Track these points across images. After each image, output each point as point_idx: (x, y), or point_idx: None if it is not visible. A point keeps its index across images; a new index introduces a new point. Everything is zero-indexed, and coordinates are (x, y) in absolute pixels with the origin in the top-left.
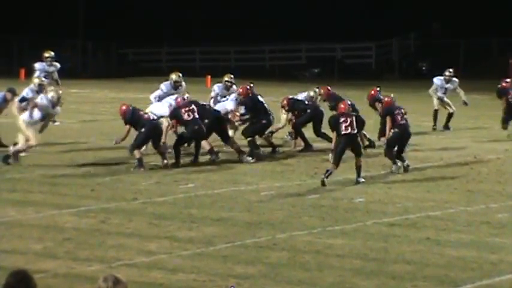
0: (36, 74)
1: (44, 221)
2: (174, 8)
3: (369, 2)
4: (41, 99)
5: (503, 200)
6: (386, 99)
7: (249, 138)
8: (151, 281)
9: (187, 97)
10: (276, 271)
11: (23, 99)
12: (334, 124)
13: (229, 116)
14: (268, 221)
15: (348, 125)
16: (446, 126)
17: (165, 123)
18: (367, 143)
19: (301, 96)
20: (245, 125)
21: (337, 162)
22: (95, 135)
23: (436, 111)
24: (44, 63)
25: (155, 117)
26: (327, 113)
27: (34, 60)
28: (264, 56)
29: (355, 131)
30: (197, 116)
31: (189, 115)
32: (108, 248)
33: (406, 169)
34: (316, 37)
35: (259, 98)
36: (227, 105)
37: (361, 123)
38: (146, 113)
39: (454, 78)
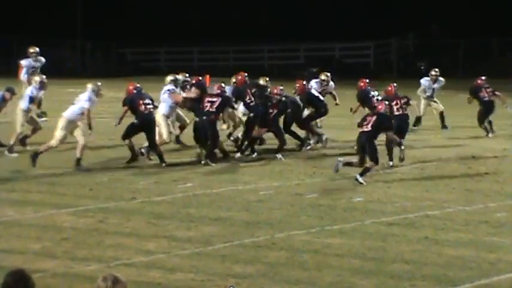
0: (24, 70)
1: (43, 221)
2: (174, 8)
3: (368, 2)
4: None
5: (502, 199)
6: (388, 88)
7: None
8: (150, 280)
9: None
10: (274, 270)
11: (31, 100)
12: (359, 120)
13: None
14: (266, 220)
15: (367, 123)
16: (443, 126)
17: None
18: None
19: (314, 83)
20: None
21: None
22: (94, 134)
23: (419, 117)
24: (29, 59)
25: (151, 110)
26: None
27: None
28: (263, 56)
29: (369, 129)
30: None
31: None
32: (106, 247)
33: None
34: (315, 37)
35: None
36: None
37: (381, 124)
38: (145, 104)
39: (440, 78)
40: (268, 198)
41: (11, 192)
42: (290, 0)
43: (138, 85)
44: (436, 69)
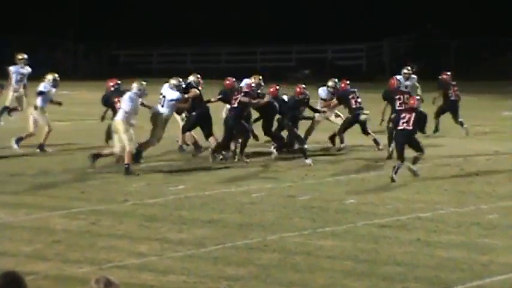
0: (13, 77)
1: (35, 223)
2: (174, 8)
3: (363, 3)
4: None
5: (494, 201)
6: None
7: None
8: (142, 282)
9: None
10: (267, 273)
11: (40, 93)
12: (395, 119)
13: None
14: (259, 222)
15: (405, 121)
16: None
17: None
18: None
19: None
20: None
21: (400, 157)
22: (86, 136)
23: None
24: (18, 66)
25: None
26: None
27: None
28: (256, 58)
29: (411, 128)
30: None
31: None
32: (98, 249)
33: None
34: (308, 38)
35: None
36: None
37: (418, 120)
38: (119, 102)
39: (413, 75)
40: (260, 200)
41: (3, 194)
42: (290, 1)
43: (119, 82)
44: (409, 67)
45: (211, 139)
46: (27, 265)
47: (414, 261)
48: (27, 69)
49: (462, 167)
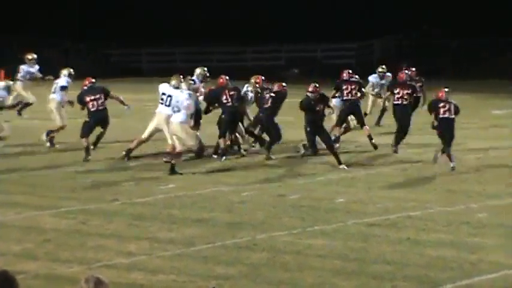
0: (21, 74)
1: (25, 222)
2: (174, 8)
3: (362, 3)
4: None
5: (483, 200)
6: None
7: None
8: (132, 282)
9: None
10: (256, 272)
11: (63, 88)
12: (434, 108)
13: None
14: (248, 221)
15: (447, 110)
16: (377, 123)
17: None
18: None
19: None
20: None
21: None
22: (76, 136)
23: (365, 114)
24: (27, 65)
25: (101, 108)
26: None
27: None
28: (246, 57)
29: (453, 116)
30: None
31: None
32: (88, 249)
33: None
34: (297, 37)
35: None
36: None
37: (457, 109)
38: (93, 100)
39: (388, 74)
40: (250, 199)
41: None
42: (290, 1)
43: (93, 80)
44: (383, 66)
45: (221, 140)
46: (17, 264)
47: (404, 260)
48: (36, 68)
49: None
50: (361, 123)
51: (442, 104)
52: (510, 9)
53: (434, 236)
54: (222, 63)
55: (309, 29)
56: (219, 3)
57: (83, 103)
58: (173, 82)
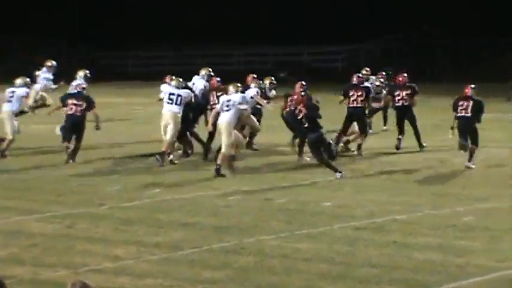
0: (41, 80)
1: (11, 227)
2: (174, 8)
3: (362, 3)
4: None
5: (470, 203)
6: (399, 78)
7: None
8: (118, 286)
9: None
10: (243, 275)
11: (83, 89)
12: (454, 106)
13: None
14: (235, 225)
15: (463, 109)
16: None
17: None
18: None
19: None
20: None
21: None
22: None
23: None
24: (45, 70)
25: (78, 114)
26: None
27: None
28: (233, 60)
29: (469, 114)
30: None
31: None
32: (74, 253)
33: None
34: (284, 41)
35: None
36: None
37: (477, 107)
38: (72, 104)
39: (372, 77)
40: (237, 203)
41: None
42: (290, 1)
43: (84, 86)
44: (367, 68)
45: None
46: (2, 269)
47: (390, 264)
48: (51, 76)
49: (438, 169)
50: (362, 131)
51: (460, 103)
52: (510, 9)
53: (421, 239)
54: (210, 66)
55: (308, 30)
56: (219, 3)
57: (64, 104)
58: (174, 83)
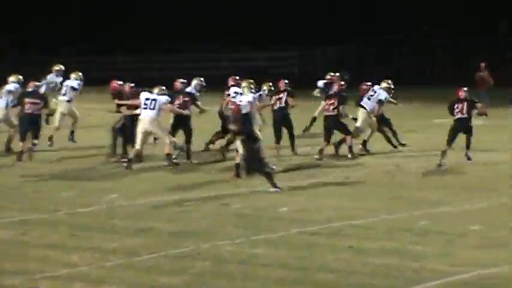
0: (45, 83)
1: None
2: (174, 8)
3: (356, 2)
4: None
5: (426, 207)
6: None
7: None
8: None
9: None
10: (200, 281)
11: (74, 89)
12: (450, 108)
13: None
14: (192, 230)
15: (459, 111)
16: (307, 129)
17: None
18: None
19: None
20: None
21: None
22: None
23: (315, 118)
24: (53, 75)
25: (36, 112)
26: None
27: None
28: (188, 66)
29: (466, 116)
30: None
31: None
32: (30, 260)
33: None
34: (235, 45)
35: None
36: None
37: (471, 107)
38: (32, 104)
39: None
40: (193, 208)
41: None
42: (290, 2)
43: (37, 84)
44: (332, 73)
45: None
46: None
47: (347, 268)
48: (60, 79)
49: (394, 174)
50: (346, 133)
51: (456, 105)
52: (510, 9)
53: (377, 244)
54: (163, 71)
55: (309, 31)
56: (219, 3)
57: (20, 103)
58: (156, 90)
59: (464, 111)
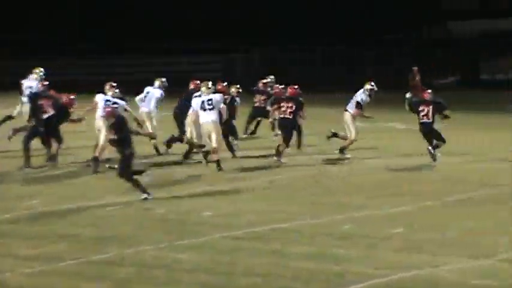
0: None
1: None
2: (174, 8)
3: (356, 2)
4: None
5: (349, 211)
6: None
7: None
8: None
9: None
10: (124, 287)
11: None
12: (415, 109)
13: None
14: (115, 236)
15: (425, 115)
16: (253, 132)
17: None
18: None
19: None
20: None
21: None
22: None
23: (258, 121)
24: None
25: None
26: None
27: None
28: (127, 70)
29: (430, 120)
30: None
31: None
32: None
33: None
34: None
35: None
36: None
37: (439, 109)
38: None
39: (276, 85)
40: (116, 213)
41: None
42: (290, 2)
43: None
44: (272, 76)
45: None
46: None
47: (271, 272)
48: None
49: (318, 178)
50: (298, 143)
51: (421, 108)
52: (510, 9)
53: (300, 248)
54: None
55: (309, 31)
56: (219, 3)
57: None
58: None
59: (430, 115)
